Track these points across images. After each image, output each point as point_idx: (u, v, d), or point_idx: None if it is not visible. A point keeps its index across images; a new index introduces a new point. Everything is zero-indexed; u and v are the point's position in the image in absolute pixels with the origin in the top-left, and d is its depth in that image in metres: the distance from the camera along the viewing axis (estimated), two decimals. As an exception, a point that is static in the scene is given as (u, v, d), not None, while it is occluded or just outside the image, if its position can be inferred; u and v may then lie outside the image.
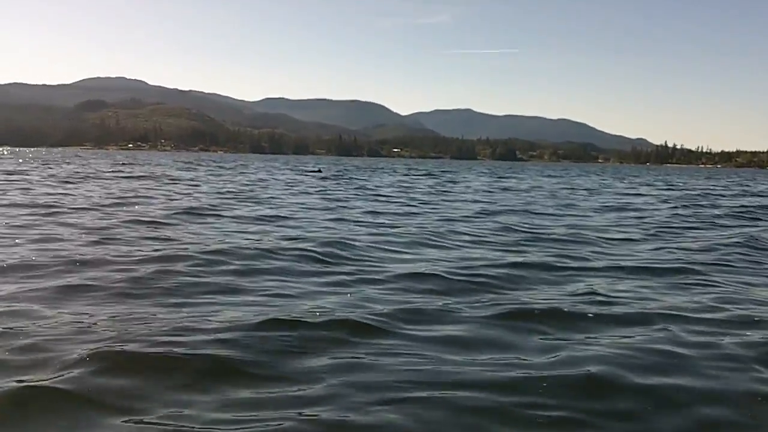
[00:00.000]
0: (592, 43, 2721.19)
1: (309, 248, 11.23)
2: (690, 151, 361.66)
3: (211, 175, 48.81)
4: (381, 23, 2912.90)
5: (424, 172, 75.15)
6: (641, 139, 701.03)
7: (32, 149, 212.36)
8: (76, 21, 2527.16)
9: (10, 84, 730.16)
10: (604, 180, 66.69)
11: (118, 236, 12.53)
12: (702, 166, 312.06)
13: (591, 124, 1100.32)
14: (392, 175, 62.60)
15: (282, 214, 18.01)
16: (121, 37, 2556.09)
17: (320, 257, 10.60)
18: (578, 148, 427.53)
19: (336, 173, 60.05)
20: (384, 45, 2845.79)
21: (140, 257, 10.02)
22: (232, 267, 9.50)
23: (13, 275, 8.55)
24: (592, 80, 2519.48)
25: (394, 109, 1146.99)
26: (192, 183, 35.26)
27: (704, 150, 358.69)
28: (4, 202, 19.34)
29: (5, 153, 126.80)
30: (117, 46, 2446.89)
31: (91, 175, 41.25)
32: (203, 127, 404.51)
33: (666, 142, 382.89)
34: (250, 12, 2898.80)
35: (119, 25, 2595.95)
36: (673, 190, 45.54)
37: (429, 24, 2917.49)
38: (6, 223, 13.95)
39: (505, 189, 39.63)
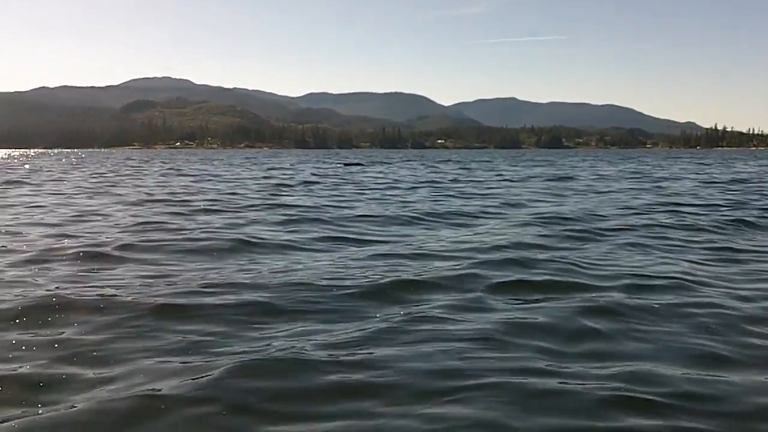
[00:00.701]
0: (639, 27, 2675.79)
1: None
2: (741, 133, 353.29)
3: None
4: (421, 15, 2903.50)
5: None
6: (690, 122, 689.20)
7: (83, 151, 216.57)
8: (123, 23, 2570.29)
9: (59, 87, 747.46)
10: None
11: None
12: (753, 148, 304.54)
13: (638, 109, 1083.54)
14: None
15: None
16: (166, 37, 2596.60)
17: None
18: (626, 133, 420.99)
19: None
20: (424, 36, 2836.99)
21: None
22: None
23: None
24: (638, 64, 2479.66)
25: (437, 100, 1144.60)
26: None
27: (756, 132, 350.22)
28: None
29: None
30: (163, 47, 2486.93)
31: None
32: (248, 123, 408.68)
33: (716, 125, 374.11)
34: (292, 9, 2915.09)
35: (165, 26, 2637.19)
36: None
37: (468, 14, 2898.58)
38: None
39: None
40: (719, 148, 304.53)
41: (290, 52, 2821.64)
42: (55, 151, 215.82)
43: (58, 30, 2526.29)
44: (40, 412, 4.47)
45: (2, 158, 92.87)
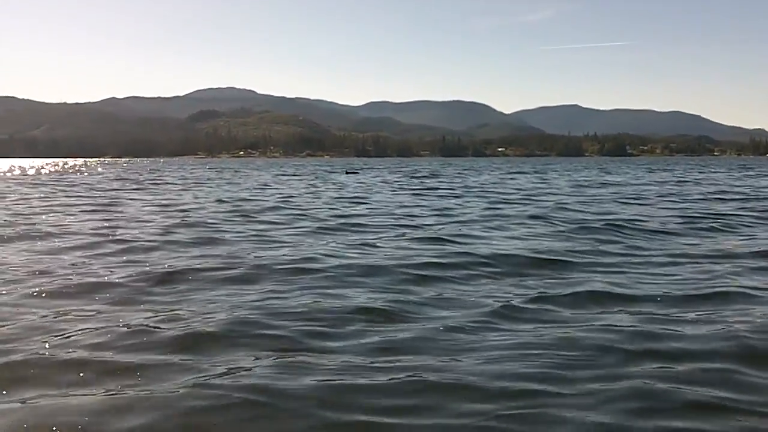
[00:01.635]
0: (706, 33, 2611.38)
1: None
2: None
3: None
4: (482, 23, 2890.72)
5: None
6: (759, 129, 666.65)
7: (148, 160, 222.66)
8: (189, 35, 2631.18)
9: (127, 98, 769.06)
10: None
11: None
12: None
13: (705, 116, 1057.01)
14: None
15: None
16: (231, 48, 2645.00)
17: None
18: (692, 141, 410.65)
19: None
20: (485, 44, 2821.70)
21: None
22: None
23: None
24: (705, 70, 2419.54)
25: (498, 108, 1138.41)
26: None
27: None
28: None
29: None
30: (227, 58, 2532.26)
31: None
32: (310, 133, 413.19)
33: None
34: (354, 20, 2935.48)
35: (229, 38, 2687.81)
36: None
37: (531, 21, 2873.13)
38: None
39: None
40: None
41: (352, 62, 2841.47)
42: (125, 160, 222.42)
43: (126, 42, 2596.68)
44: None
45: (96, 169, 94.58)
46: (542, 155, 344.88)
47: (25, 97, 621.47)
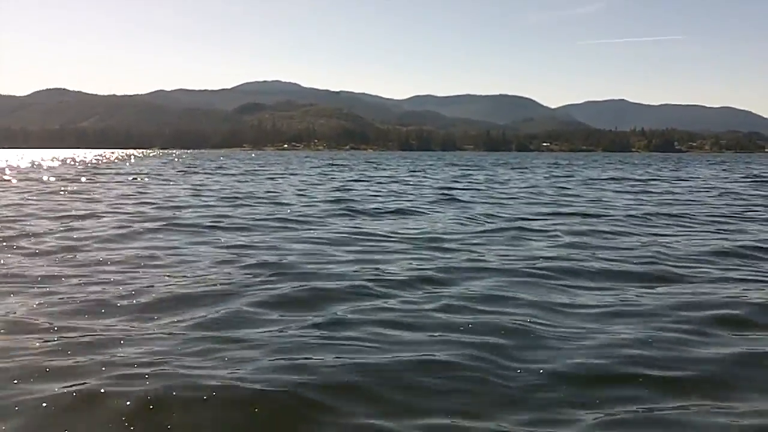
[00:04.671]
0: (758, 26, 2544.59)
1: None
2: None
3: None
4: (529, 16, 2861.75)
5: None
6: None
7: (195, 151, 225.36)
8: (236, 29, 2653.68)
9: (175, 90, 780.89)
10: None
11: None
12: None
13: (757, 112, 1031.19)
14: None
15: None
16: (277, 42, 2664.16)
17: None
18: (742, 137, 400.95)
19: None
20: (531, 38, 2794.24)
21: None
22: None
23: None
24: (757, 65, 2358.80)
25: (543, 102, 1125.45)
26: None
27: None
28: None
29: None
30: (273, 51, 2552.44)
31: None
32: (353, 126, 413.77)
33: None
34: (399, 13, 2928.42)
35: (275, 31, 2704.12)
36: None
37: (580, 14, 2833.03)
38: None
39: None
40: None
41: (396, 56, 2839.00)
42: (176, 151, 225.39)
43: (175, 36, 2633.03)
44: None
45: (156, 162, 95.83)
46: (588, 150, 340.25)
47: (76, 89, 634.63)
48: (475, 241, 12.14)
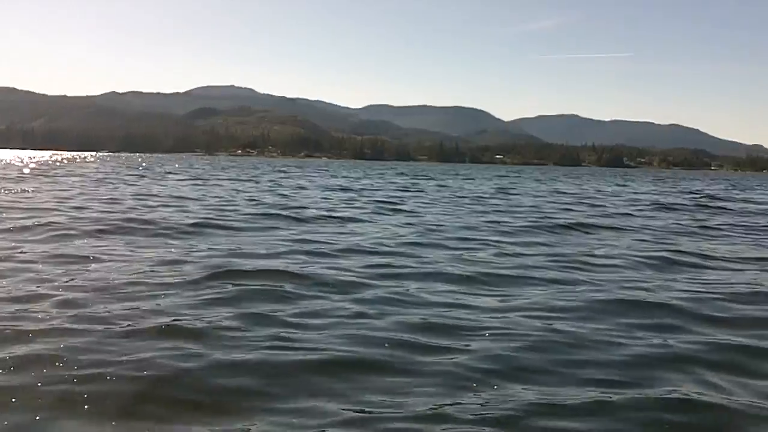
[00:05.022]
0: (707, 47, 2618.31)
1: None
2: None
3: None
4: (484, 30, 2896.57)
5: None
6: (757, 145, 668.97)
7: (149, 155, 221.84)
8: (191, 32, 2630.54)
9: (128, 92, 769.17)
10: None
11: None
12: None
13: (703, 130, 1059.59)
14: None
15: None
16: (232, 47, 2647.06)
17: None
18: (690, 154, 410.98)
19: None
20: (486, 51, 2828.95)
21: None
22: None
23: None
24: (705, 84, 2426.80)
25: (497, 115, 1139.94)
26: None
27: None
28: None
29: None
30: (228, 56, 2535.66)
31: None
32: (309, 134, 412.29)
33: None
34: (356, 22, 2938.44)
35: (231, 36, 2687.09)
36: None
37: (533, 29, 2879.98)
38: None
39: None
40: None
41: (353, 64, 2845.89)
42: (124, 154, 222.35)
43: (128, 37, 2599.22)
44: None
45: (95, 163, 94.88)
46: (540, 164, 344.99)
47: (26, 89, 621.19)
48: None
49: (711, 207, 30.48)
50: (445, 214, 21.95)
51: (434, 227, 17.27)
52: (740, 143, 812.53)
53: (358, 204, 25.55)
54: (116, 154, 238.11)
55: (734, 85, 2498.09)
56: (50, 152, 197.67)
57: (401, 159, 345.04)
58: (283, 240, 13.64)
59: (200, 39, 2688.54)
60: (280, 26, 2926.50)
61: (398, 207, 24.66)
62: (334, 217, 18.98)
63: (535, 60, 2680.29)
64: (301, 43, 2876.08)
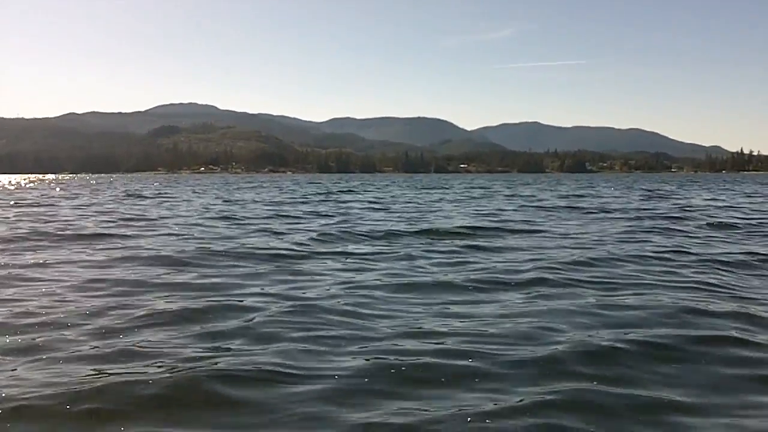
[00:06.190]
0: (664, 51, 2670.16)
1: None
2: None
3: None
4: (444, 41, 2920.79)
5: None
6: (716, 146, 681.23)
7: (110, 175, 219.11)
8: (150, 51, 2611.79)
9: (87, 113, 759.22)
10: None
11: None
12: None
13: (663, 133, 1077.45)
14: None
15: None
16: (192, 64, 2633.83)
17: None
18: (650, 158, 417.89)
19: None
20: (449, 61, 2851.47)
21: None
22: None
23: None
24: (663, 88, 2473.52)
25: (460, 125, 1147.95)
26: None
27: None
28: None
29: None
30: (188, 74, 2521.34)
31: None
32: (272, 149, 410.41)
33: (742, 148, 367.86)
34: (315, 35, 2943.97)
35: (191, 53, 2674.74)
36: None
37: (493, 39, 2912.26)
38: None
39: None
40: (745, 172, 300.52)
41: (314, 78, 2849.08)
42: (87, 175, 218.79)
43: (86, 57, 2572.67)
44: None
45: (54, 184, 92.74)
46: (504, 171, 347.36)
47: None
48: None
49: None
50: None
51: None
52: (700, 145, 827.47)
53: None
54: (76, 175, 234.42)
55: (691, 89, 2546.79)
56: (13, 176, 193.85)
57: (366, 171, 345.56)
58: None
59: (159, 57, 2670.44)
60: (241, 42, 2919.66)
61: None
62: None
63: (495, 69, 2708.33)
64: (261, 59, 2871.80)
